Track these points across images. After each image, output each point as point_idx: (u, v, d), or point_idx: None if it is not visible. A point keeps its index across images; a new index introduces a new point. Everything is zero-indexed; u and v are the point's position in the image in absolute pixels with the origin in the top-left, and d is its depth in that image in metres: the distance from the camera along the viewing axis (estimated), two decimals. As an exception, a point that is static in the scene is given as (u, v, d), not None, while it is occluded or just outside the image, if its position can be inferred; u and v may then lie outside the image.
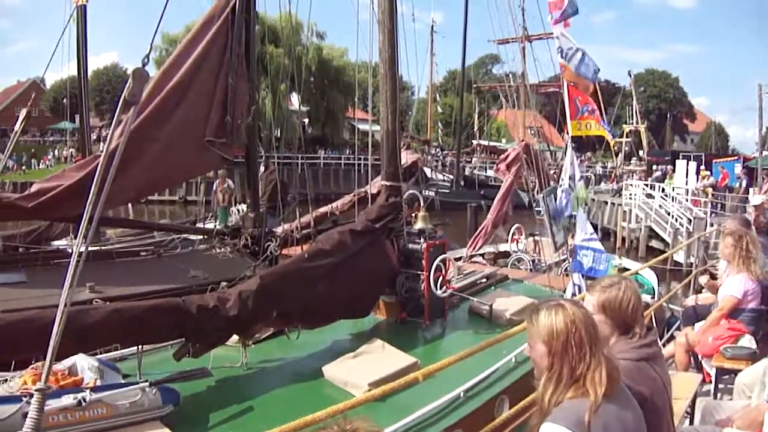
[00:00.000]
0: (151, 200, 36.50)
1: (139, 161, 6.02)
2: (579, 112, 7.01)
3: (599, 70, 7.01)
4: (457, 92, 43.93)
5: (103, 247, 9.68)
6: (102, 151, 2.92)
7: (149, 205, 36.68)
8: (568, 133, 7.49)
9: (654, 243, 24.11)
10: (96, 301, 4.88)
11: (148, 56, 2.71)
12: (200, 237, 10.38)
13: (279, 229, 8.90)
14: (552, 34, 7.20)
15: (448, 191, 34.94)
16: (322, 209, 11.19)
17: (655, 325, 7.62)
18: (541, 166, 10.43)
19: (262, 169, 12.06)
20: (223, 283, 5.20)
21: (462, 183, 41.53)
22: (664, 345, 6.77)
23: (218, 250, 9.02)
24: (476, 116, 59.76)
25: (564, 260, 9.78)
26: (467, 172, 47.26)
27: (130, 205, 15.32)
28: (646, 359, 2.94)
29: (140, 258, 9.20)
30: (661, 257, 11.12)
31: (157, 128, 6.24)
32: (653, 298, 9.78)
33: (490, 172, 43.29)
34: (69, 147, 35.00)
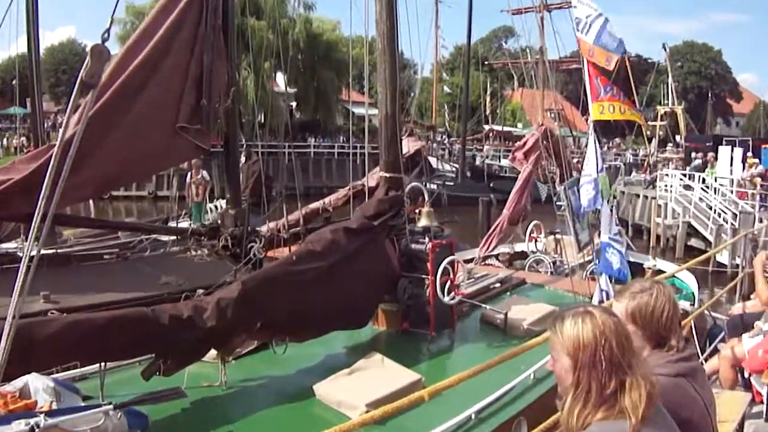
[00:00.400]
0: (115, 196, 36.61)
1: (100, 151, 5.99)
2: (601, 92, 7.00)
3: (623, 42, 7.00)
4: (464, 70, 43.86)
5: (59, 251, 9.66)
6: (57, 140, 2.90)
7: (114, 201, 36.76)
8: (590, 117, 7.48)
9: (693, 242, 24.08)
10: (51, 313, 4.88)
11: (108, 31, 2.69)
12: (173, 238, 10.37)
13: (264, 228, 8.90)
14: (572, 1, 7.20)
15: (452, 183, 34.95)
16: (313, 205, 11.20)
17: (695, 336, 7.61)
18: (563, 154, 10.43)
19: (243, 159, 12.05)
20: (200, 291, 5.20)
21: (469, 174, 41.51)
22: (706, 359, 6.76)
23: (194, 253, 9.01)
24: (488, 97, 59.68)
25: (589, 262, 9.79)
26: (477, 161, 47.27)
27: (91, 201, 15.32)
28: (684, 375, 2.92)
29: (103, 262, 9.19)
30: (702, 258, 11.10)
31: (120, 113, 6.21)
32: (693, 305, 9.78)
33: (504, 162, 43.32)
34: (19, 135, 34.96)
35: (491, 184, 36.39)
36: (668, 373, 2.87)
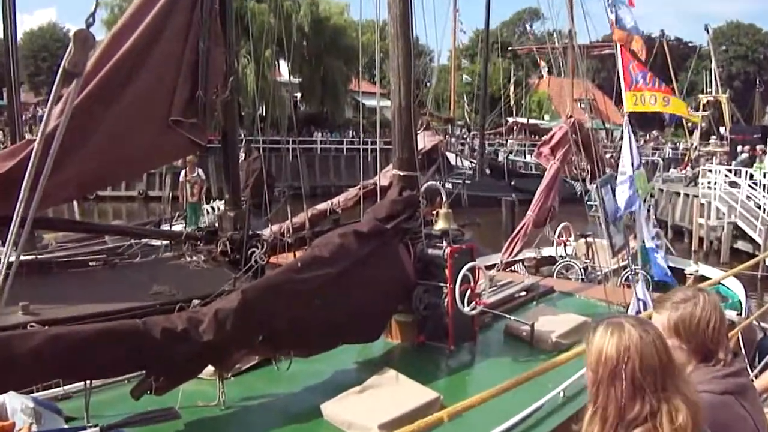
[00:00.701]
0: (102, 196, 36.75)
1: (85, 147, 6.01)
2: (633, 81, 6.95)
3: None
4: (482, 54, 43.73)
5: (39, 257, 9.68)
6: (37, 135, 2.89)
7: (101, 202, 36.92)
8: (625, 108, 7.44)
9: (740, 244, 23.98)
10: (31, 325, 4.87)
11: (93, 15, 2.68)
12: (165, 242, 10.40)
13: (266, 232, 8.91)
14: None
15: (469, 182, 34.93)
16: (320, 206, 11.20)
17: (743, 349, 7.56)
18: (595, 148, 10.38)
19: (242, 156, 12.07)
20: (195, 301, 5.20)
21: (488, 171, 41.40)
22: (756, 375, 6.70)
23: (189, 259, 9.02)
24: (512, 87, 59.56)
25: (624, 267, 9.73)
26: (500, 157, 47.17)
27: (75, 202, 15.35)
28: (732, 392, 2.89)
29: (88, 269, 9.18)
30: (751, 263, 11.03)
31: (106, 105, 6.22)
32: (740, 314, 9.72)
33: (530, 158, 43.24)
34: (-4, 128, 35.17)
35: (512, 183, 36.27)
36: (714, 390, 2.84)
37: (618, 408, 2.38)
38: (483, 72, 42.09)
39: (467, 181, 32.91)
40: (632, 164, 7.09)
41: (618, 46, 7.15)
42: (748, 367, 6.78)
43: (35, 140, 3.25)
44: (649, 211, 7.22)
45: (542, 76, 54.46)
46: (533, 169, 41.07)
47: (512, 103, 59.30)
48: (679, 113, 6.72)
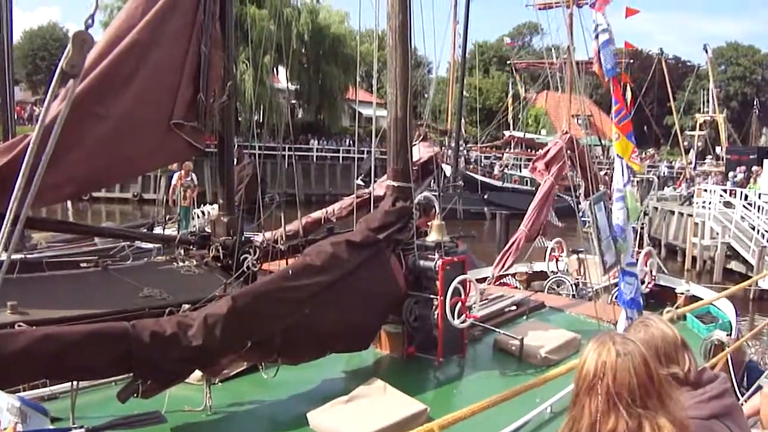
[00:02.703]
0: (96, 197, 36.71)
1: (82, 146, 5.98)
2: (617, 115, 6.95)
3: (617, 66, 6.97)
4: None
5: (29, 256, 9.64)
6: (31, 134, 2.90)
7: (95, 203, 36.87)
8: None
9: (734, 265, 24.00)
10: (19, 325, 4.86)
11: (92, 16, 2.68)
12: (157, 245, 10.37)
13: (259, 238, 8.90)
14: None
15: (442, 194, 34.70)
16: (315, 214, 11.19)
17: (732, 370, 7.57)
18: (590, 165, 10.40)
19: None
20: (186, 306, 5.19)
21: (462, 184, 41.30)
22: (746, 399, 6.71)
23: (180, 263, 9.00)
24: (510, 100, 59.64)
25: (615, 285, 9.74)
26: (496, 170, 47.30)
27: (69, 203, 15.26)
28: (717, 416, 2.90)
29: (79, 271, 9.15)
30: (744, 285, 11.05)
31: (105, 103, 6.19)
32: (729, 335, 9.72)
33: (525, 172, 43.30)
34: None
35: (485, 196, 36.08)
36: (699, 415, 2.85)
37: (591, 422, 2.41)
38: (460, 84, 42.03)
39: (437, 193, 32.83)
40: (623, 180, 7.08)
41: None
42: (737, 389, 6.81)
43: (30, 135, 3.25)
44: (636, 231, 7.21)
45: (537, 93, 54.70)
46: (529, 182, 41.03)
47: (510, 116, 59.40)
48: (621, 154, 6.69)
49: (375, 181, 9.24)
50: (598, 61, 6.73)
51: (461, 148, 51.14)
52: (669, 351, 2.99)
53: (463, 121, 58.49)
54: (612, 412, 2.40)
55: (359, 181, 30.32)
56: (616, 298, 8.21)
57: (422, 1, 6.85)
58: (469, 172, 43.39)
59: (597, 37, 6.69)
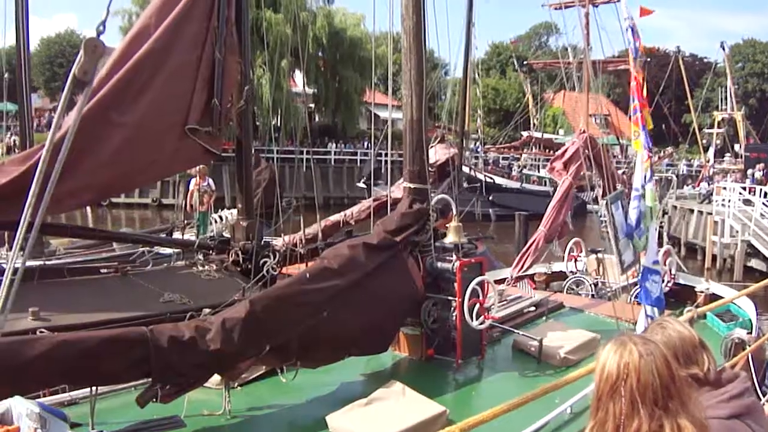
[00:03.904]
0: (115, 203, 36.94)
1: (100, 153, 6.00)
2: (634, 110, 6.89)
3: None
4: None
5: (47, 262, 9.65)
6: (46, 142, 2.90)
7: (114, 208, 37.08)
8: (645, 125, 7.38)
9: (754, 263, 23.82)
10: (41, 331, 4.88)
11: (104, 23, 2.69)
12: (177, 251, 10.40)
13: (279, 242, 8.90)
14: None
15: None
16: (333, 218, 11.21)
17: (753, 370, 7.49)
18: (607, 164, 10.33)
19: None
20: (206, 310, 5.19)
21: (466, 185, 41.08)
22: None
23: (201, 268, 9.02)
24: (530, 98, 59.29)
25: (634, 284, 9.67)
26: (514, 171, 47.23)
27: (89, 208, 15.32)
28: (739, 415, 2.86)
29: (100, 277, 9.19)
30: (764, 283, 10.91)
31: (121, 111, 6.20)
32: (750, 333, 9.62)
33: (543, 172, 43.18)
34: (11, 134, 35.33)
35: (490, 197, 35.81)
36: (720, 415, 2.80)
37: (616, 425, 2.37)
38: (463, 83, 41.77)
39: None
40: (642, 178, 7.00)
41: (632, 62, 7.10)
42: (758, 388, 6.73)
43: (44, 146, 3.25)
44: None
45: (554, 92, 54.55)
46: (550, 181, 40.76)
47: (534, 115, 59.00)
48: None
49: (377, 185, 9.23)
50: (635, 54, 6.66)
51: (478, 150, 51.14)
52: (688, 351, 2.95)
53: (480, 122, 58.54)
54: (635, 414, 2.36)
55: (360, 184, 30.27)
56: (636, 297, 8.14)
57: (437, 3, 6.84)
58: (473, 173, 43.14)
59: (633, 30, 6.62)
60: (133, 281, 8.83)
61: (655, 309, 6.54)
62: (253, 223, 8.85)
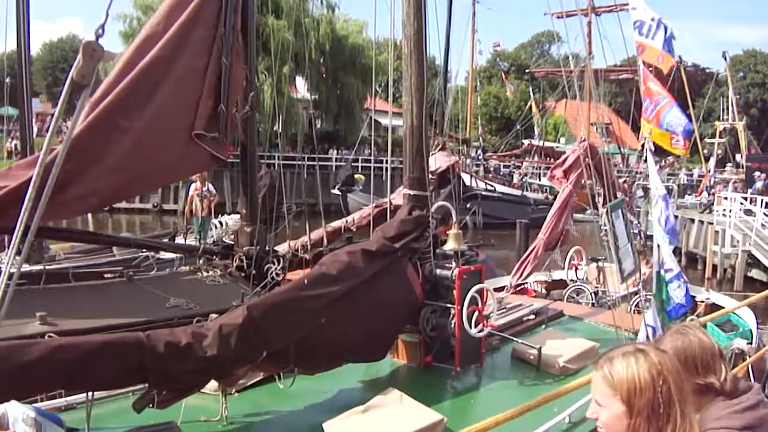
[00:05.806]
0: (116, 208, 36.93)
1: (106, 158, 5.99)
2: (648, 110, 6.85)
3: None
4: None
5: (54, 266, 9.66)
6: (41, 148, 2.89)
7: (114, 213, 37.07)
8: (647, 134, 7.36)
9: (754, 273, 23.83)
10: (49, 336, 4.86)
11: (103, 26, 2.66)
12: (179, 256, 10.39)
13: (283, 247, 8.89)
14: (626, 4, 7.12)
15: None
16: (335, 224, 11.19)
17: (753, 379, 7.48)
18: (608, 172, 10.33)
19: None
20: (213, 315, 5.16)
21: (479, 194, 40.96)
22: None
23: (204, 273, 9.01)
24: (533, 106, 59.29)
25: (635, 293, 9.66)
26: (515, 179, 47.28)
27: (89, 214, 15.26)
28: (752, 427, 2.84)
29: (105, 281, 9.18)
30: (765, 293, 10.90)
31: (128, 116, 6.18)
32: (750, 344, 9.61)
33: (544, 180, 43.22)
34: (12, 138, 35.38)
35: (468, 205, 35.59)
36: (733, 425, 2.79)
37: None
38: (443, 91, 41.73)
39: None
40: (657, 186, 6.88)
41: (641, 67, 7.05)
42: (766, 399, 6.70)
43: (55, 149, 3.25)
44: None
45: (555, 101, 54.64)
46: (537, 189, 40.71)
47: (536, 123, 59.01)
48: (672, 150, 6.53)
49: (352, 191, 9.24)
50: (664, 52, 6.61)
51: (480, 157, 51.19)
52: (706, 359, 2.93)
53: (481, 129, 58.62)
54: (671, 420, 2.33)
55: (335, 191, 30.16)
56: (636, 306, 8.10)
57: (437, 9, 6.83)
58: (474, 182, 43.04)
59: (653, 33, 6.58)
60: (138, 286, 8.82)
61: (656, 319, 6.49)
62: (256, 229, 8.84)
